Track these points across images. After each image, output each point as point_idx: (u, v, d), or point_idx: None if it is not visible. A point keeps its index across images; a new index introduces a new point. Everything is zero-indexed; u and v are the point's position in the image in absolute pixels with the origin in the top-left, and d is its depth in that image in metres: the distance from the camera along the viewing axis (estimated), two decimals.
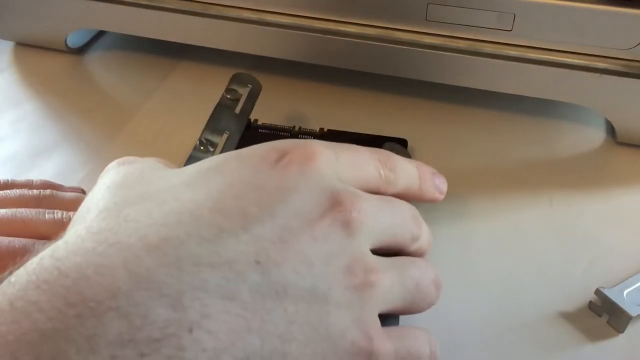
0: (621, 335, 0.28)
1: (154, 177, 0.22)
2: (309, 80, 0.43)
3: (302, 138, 0.36)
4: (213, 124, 0.32)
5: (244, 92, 0.33)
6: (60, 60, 0.46)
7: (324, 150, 0.22)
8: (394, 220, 0.24)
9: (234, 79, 0.34)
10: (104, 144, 0.39)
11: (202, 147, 0.30)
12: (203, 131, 0.31)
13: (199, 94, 0.42)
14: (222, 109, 0.32)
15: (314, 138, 0.36)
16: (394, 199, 0.25)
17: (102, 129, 0.40)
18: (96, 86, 0.44)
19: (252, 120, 0.37)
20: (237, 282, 0.18)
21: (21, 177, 0.37)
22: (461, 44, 0.36)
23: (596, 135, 0.39)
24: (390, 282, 0.22)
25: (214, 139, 0.31)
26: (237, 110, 0.32)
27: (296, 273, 0.19)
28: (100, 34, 0.48)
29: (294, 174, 0.21)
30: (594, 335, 0.28)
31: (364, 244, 0.22)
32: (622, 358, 0.27)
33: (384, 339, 0.21)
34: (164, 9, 0.40)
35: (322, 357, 0.19)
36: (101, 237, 0.18)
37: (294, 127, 0.36)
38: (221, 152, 0.30)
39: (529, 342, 0.28)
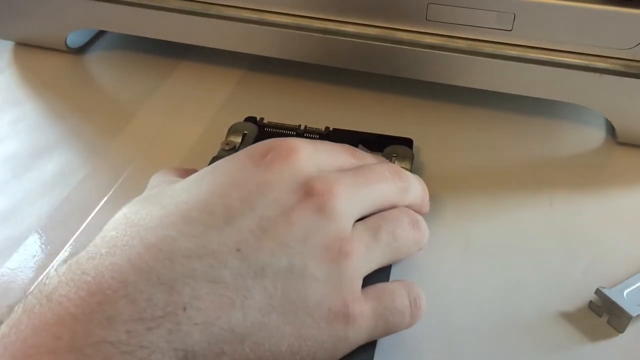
0: (621, 335, 0.28)
1: (164, 186, 0.26)
2: (313, 80, 0.43)
3: (308, 137, 0.36)
4: None
5: (238, 140, 0.35)
6: (60, 60, 0.46)
7: (304, 145, 0.26)
8: (374, 188, 0.27)
9: (229, 130, 0.36)
10: (104, 144, 0.39)
11: None
12: None
13: (199, 94, 0.42)
14: (215, 160, 0.34)
15: (319, 137, 0.36)
16: (369, 166, 0.27)
17: (102, 129, 0.40)
18: (96, 86, 0.44)
19: (258, 119, 0.37)
20: (219, 269, 0.21)
21: (21, 177, 0.37)
22: (461, 44, 0.36)
23: (596, 135, 0.39)
24: (366, 246, 0.25)
25: None
26: None
27: (272, 255, 0.22)
28: (100, 34, 0.48)
29: (274, 169, 0.24)
30: (594, 335, 0.28)
31: (342, 222, 0.24)
32: (622, 358, 0.27)
33: (360, 302, 0.24)
34: (164, 9, 0.40)
35: (300, 324, 0.22)
36: (111, 243, 0.22)
37: (300, 125, 0.36)
38: None
39: (529, 342, 0.28)
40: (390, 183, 0.28)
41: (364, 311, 0.24)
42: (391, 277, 0.30)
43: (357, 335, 0.24)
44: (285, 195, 0.23)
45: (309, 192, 0.24)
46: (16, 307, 0.20)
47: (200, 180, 0.25)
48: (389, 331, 0.25)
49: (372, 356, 0.25)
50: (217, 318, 0.20)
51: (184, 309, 0.20)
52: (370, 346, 0.25)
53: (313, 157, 0.26)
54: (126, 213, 0.24)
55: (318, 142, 0.27)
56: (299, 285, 0.22)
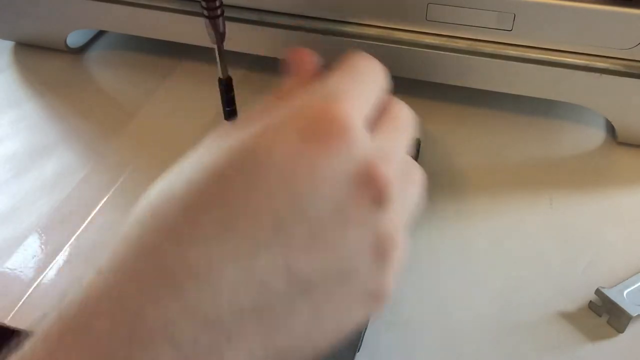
0: (621, 335, 0.28)
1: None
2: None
3: None
4: None
5: None
6: (60, 60, 0.46)
7: (351, 115, 0.21)
8: (406, 158, 0.24)
9: None
10: (104, 144, 0.39)
11: None
12: None
13: (199, 94, 0.42)
14: None
15: None
16: (397, 133, 0.24)
17: (102, 129, 0.40)
18: (96, 86, 0.44)
19: None
20: (269, 297, 0.19)
21: (21, 177, 0.37)
22: (461, 44, 0.36)
23: (596, 135, 0.39)
24: (403, 230, 0.22)
25: None
26: None
27: (323, 267, 0.19)
28: (100, 34, 0.48)
29: (323, 157, 0.20)
30: (594, 335, 0.28)
31: (391, 211, 0.21)
32: (622, 358, 0.27)
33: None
34: (164, 9, 0.40)
35: (339, 304, 0.20)
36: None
37: None
38: None
39: (529, 342, 0.28)
40: (409, 140, 0.25)
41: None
42: None
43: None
44: (339, 187, 0.20)
45: (366, 180, 0.20)
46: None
47: (243, 173, 0.20)
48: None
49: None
50: (261, 342, 0.19)
51: (229, 340, 0.19)
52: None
53: (359, 121, 0.21)
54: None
55: (353, 85, 0.22)
56: (344, 284, 0.20)
